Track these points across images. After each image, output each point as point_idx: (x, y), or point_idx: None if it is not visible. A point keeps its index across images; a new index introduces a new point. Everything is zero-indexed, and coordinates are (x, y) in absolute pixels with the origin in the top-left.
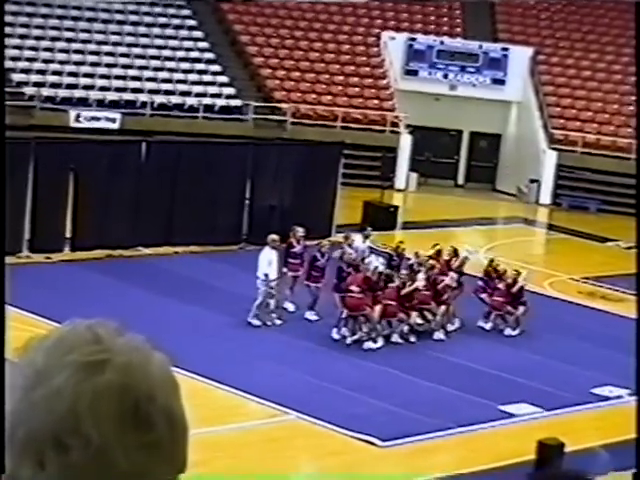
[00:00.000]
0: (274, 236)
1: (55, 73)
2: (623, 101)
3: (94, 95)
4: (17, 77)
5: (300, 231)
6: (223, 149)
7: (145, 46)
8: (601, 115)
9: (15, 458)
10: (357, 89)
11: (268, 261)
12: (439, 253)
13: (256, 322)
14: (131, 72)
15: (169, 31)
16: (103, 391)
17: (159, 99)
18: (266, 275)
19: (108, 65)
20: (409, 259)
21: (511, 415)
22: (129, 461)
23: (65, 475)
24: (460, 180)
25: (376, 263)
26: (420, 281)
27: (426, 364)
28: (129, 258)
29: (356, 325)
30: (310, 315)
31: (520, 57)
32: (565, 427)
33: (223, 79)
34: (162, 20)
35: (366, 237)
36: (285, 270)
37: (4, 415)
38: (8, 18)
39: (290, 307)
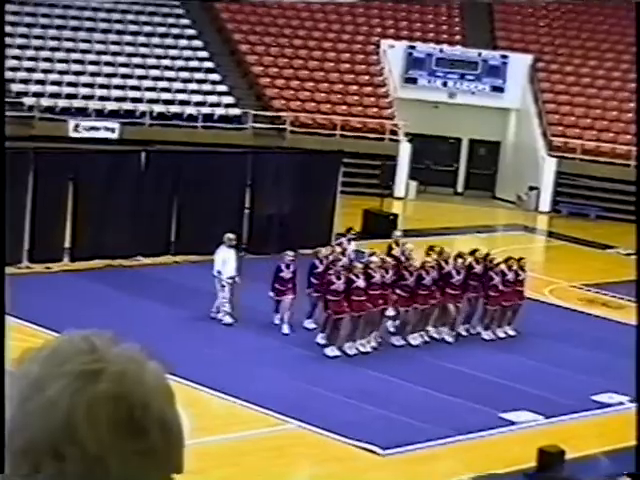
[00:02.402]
0: (230, 235)
1: (54, 83)
2: (622, 108)
3: (93, 105)
4: (16, 87)
5: (290, 255)
6: (222, 158)
7: (144, 55)
8: (600, 122)
9: (13, 464)
10: (356, 97)
11: (222, 260)
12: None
13: (228, 320)
14: (130, 82)
15: (168, 40)
16: (98, 400)
17: (158, 108)
18: (219, 272)
19: (107, 75)
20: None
21: (511, 422)
22: (124, 468)
23: None
24: (459, 188)
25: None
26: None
27: (425, 371)
28: (128, 268)
29: (334, 331)
30: (308, 324)
31: (519, 64)
32: (566, 434)
33: (222, 88)
34: (161, 29)
35: (349, 240)
36: (272, 294)
37: (4, 424)
38: (7, 29)
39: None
